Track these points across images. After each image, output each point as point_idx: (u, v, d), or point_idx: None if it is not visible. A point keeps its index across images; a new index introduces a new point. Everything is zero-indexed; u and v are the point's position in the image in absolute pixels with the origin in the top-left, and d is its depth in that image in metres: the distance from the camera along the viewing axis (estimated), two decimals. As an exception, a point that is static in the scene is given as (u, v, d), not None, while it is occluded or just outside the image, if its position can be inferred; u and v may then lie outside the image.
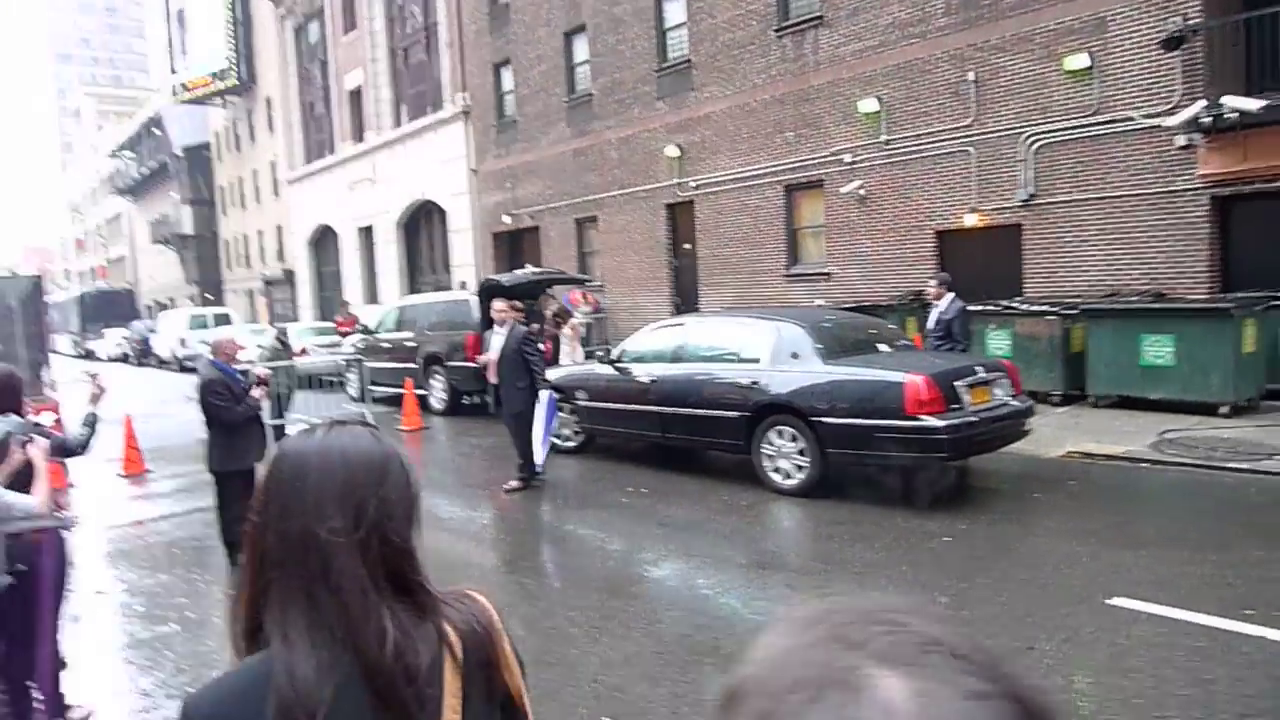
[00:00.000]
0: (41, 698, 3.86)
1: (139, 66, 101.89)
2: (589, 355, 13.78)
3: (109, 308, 40.69)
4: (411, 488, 1.18)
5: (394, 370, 14.38)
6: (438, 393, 13.93)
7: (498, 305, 8.74)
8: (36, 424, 3.91)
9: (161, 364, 28.56)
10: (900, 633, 0.45)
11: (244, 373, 6.94)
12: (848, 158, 13.54)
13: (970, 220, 12.08)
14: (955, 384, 6.93)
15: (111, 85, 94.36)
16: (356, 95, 27.83)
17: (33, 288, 12.03)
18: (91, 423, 4.36)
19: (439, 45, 23.60)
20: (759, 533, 6.69)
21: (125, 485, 9.85)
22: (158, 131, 46.80)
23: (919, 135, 12.66)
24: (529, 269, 15.86)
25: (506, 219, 21.14)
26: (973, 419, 6.84)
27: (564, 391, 9.86)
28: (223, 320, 28.52)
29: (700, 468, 8.89)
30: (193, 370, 25.02)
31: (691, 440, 8.67)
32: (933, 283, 9.51)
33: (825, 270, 14.13)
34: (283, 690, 1.01)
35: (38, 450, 3.60)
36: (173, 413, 13.68)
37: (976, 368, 7.35)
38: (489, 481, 9.09)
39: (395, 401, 13.70)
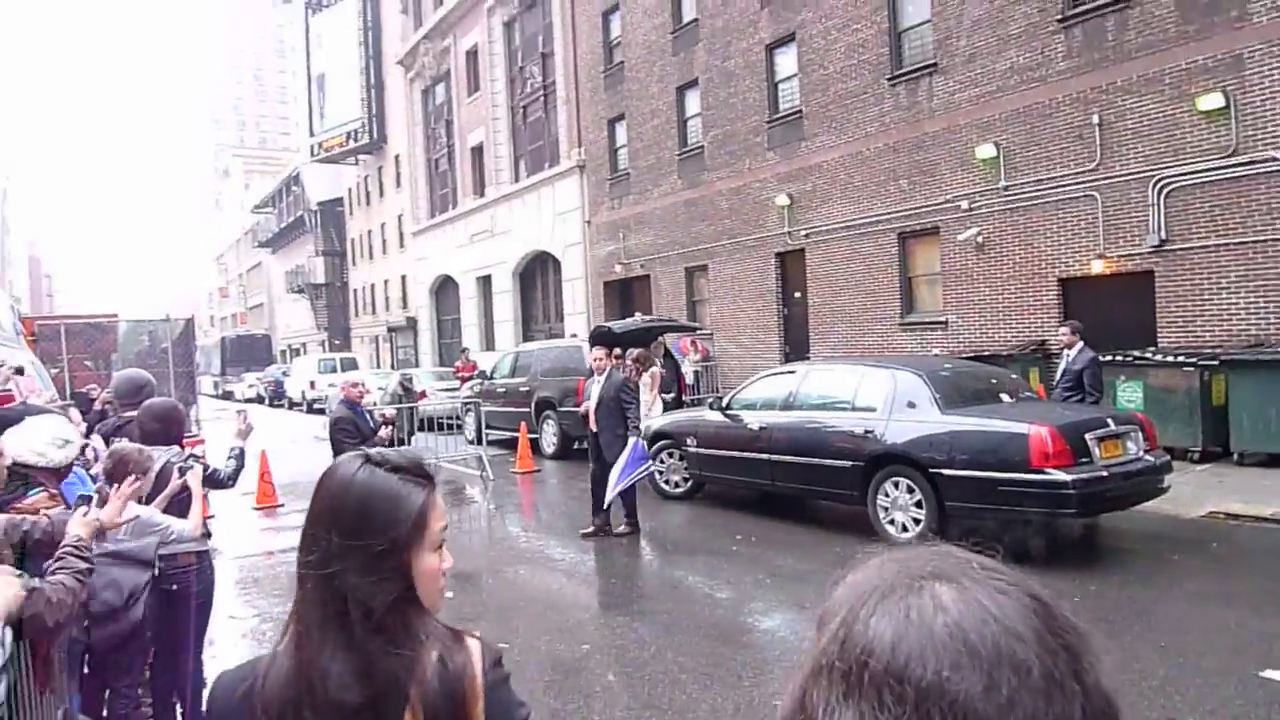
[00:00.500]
0: (184, 711, 4.12)
1: (282, 129, 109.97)
2: (696, 402, 13.82)
3: (247, 352, 43.38)
4: (397, 528, 1.18)
5: (508, 414, 14.80)
6: (549, 436, 14.24)
7: (595, 354, 8.75)
8: (192, 454, 4.24)
9: (292, 405, 30.24)
10: (947, 559, 0.62)
11: (370, 413, 7.34)
12: (964, 204, 13.27)
13: (1097, 267, 11.60)
14: (1084, 436, 6.62)
15: (258, 147, 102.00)
16: (478, 152, 29.15)
17: (184, 332, 13.03)
18: (238, 457, 4.68)
19: (556, 103, 24.55)
20: None
21: (258, 517, 10.43)
22: (296, 188, 50.20)
23: (1040, 180, 12.31)
24: (639, 317, 16.11)
25: (618, 268, 21.59)
26: (1103, 473, 6.51)
27: (674, 437, 9.94)
28: (349, 365, 30.02)
29: (811, 517, 8.75)
30: (320, 411, 26.42)
31: (802, 489, 8.56)
32: (1063, 330, 9.12)
33: (941, 319, 13.80)
34: (255, 686, 1.18)
35: (194, 478, 3.90)
36: (303, 451, 14.45)
37: (1107, 420, 7.01)
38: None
39: (510, 444, 14.07)
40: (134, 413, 4.46)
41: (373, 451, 1.26)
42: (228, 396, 38.24)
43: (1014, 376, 8.86)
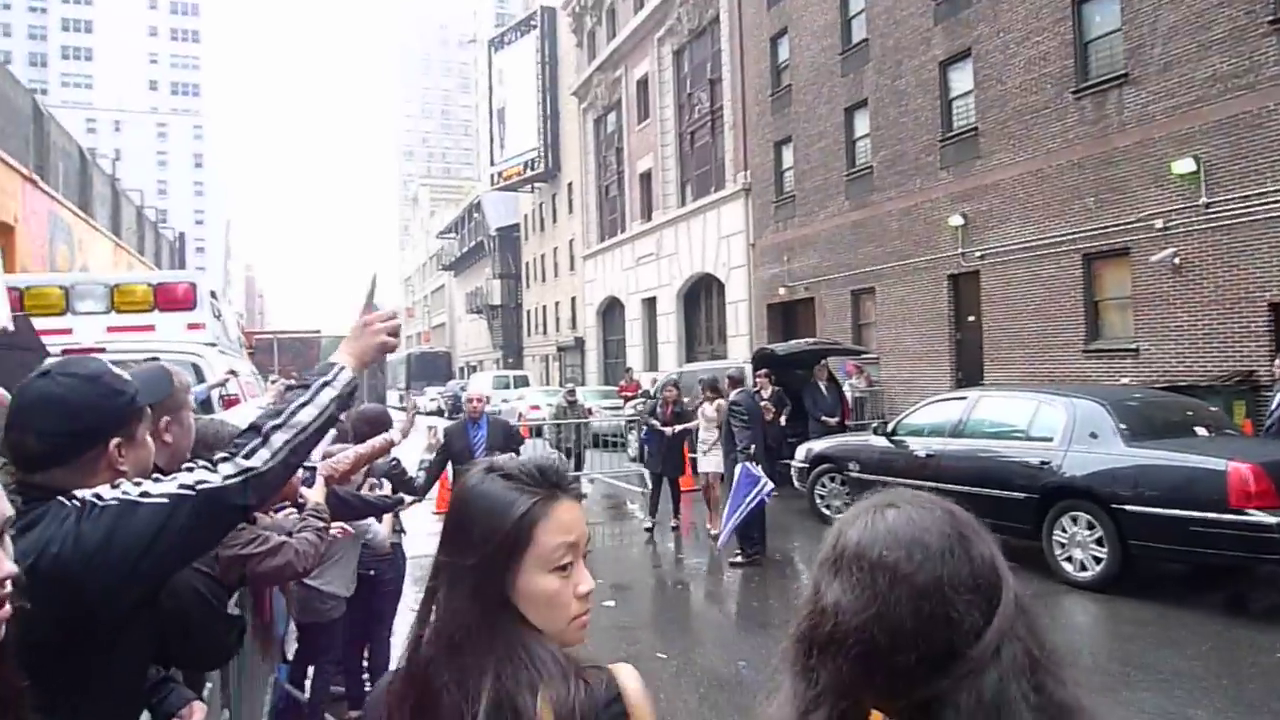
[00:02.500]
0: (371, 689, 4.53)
1: (466, 160, 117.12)
2: (859, 428, 13.53)
3: (430, 368, 46.27)
4: (489, 540, 1.08)
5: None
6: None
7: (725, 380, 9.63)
8: (395, 459, 4.69)
9: (469, 420, 31.92)
10: (899, 495, 0.97)
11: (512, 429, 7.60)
12: (1159, 223, 12.34)
13: (1318, 291, 10.48)
14: (1293, 476, 6.04)
15: (443, 176, 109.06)
16: (646, 178, 29.91)
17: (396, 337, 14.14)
18: (427, 468, 5.11)
19: (723, 128, 24.85)
20: (1048, 625, 6.18)
21: (436, 522, 11.14)
22: (477, 215, 53.29)
23: (1247, 196, 11.28)
24: (804, 340, 15.99)
25: (782, 291, 21.50)
26: (1316, 518, 5.91)
27: (836, 461, 9.83)
28: (521, 382, 31.42)
29: (980, 551, 8.40)
30: (497, 413, 27.69)
31: (971, 520, 8.23)
32: (1278, 361, 8.35)
33: (1131, 346, 12.86)
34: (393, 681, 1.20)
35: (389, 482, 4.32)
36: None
37: (1322, 459, 6.35)
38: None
39: (670, 464, 14.31)
40: (342, 418, 4.94)
41: (501, 458, 1.18)
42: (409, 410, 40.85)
43: (1213, 409, 8.17)
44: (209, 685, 2.34)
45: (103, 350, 5.24)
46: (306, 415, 1.55)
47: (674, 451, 10.00)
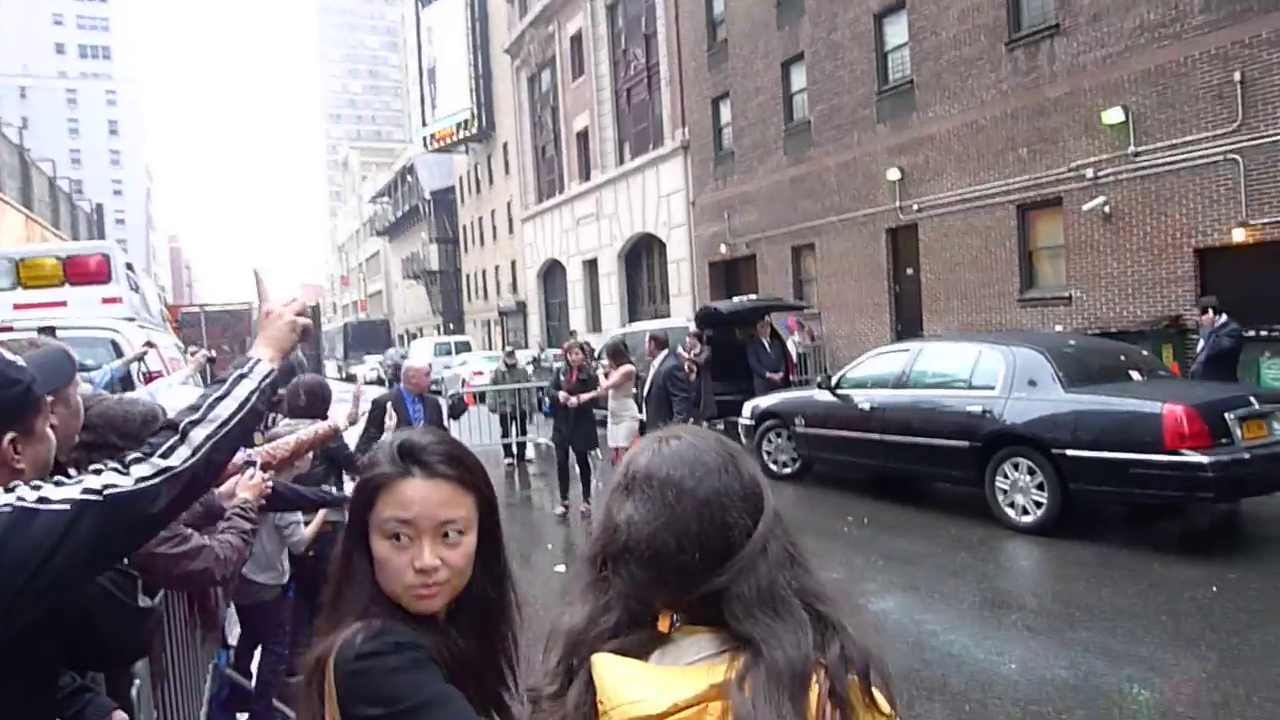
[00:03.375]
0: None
1: (396, 122, 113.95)
2: (803, 383, 13.64)
3: (368, 337, 45.35)
4: (357, 503, 1.26)
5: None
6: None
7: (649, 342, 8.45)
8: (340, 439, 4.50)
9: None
10: (682, 429, 1.09)
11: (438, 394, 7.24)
12: (1090, 173, 12.57)
13: (1239, 235, 10.81)
14: (1224, 415, 6.22)
15: (373, 140, 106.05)
16: (583, 137, 29.45)
17: (311, 317, 13.73)
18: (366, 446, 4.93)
19: (660, 84, 24.53)
20: (992, 570, 6.32)
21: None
22: (411, 178, 52.01)
23: (1174, 145, 11.54)
24: (747, 297, 15.99)
25: (723, 248, 21.47)
26: (1245, 456, 6.11)
27: (781, 417, 9.88)
28: (463, 347, 30.95)
29: (925, 499, 8.55)
30: (437, 394, 27.38)
31: (915, 470, 8.37)
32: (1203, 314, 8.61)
33: (1064, 294, 13.16)
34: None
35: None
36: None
37: (1250, 398, 6.57)
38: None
39: (617, 426, 14.26)
40: (282, 390, 4.73)
41: (404, 433, 1.28)
42: (350, 379, 40.09)
43: (1145, 354, 8.39)
44: (137, 682, 2.19)
45: (9, 329, 4.91)
46: (225, 409, 1.44)
47: (583, 422, 8.67)
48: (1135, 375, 7.30)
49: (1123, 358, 7.76)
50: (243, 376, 1.50)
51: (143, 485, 1.31)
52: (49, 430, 1.46)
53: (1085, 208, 12.60)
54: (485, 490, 1.29)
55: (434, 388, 16.15)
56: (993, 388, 7.36)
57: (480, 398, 14.19)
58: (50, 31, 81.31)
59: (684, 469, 1.01)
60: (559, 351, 19.77)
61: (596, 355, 12.54)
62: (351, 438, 5.11)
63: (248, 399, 1.48)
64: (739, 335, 13.61)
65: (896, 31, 16.15)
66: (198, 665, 3.49)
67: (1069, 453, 6.62)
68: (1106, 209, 12.38)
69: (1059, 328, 12.85)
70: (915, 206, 15.67)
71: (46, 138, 55.72)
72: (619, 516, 1.02)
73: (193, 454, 1.38)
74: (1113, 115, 12.14)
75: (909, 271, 16.28)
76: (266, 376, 1.52)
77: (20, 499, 1.22)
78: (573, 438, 8.74)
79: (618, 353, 8.80)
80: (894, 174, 15.94)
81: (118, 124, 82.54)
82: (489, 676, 1.32)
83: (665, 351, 8.45)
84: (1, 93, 70.29)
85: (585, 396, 8.47)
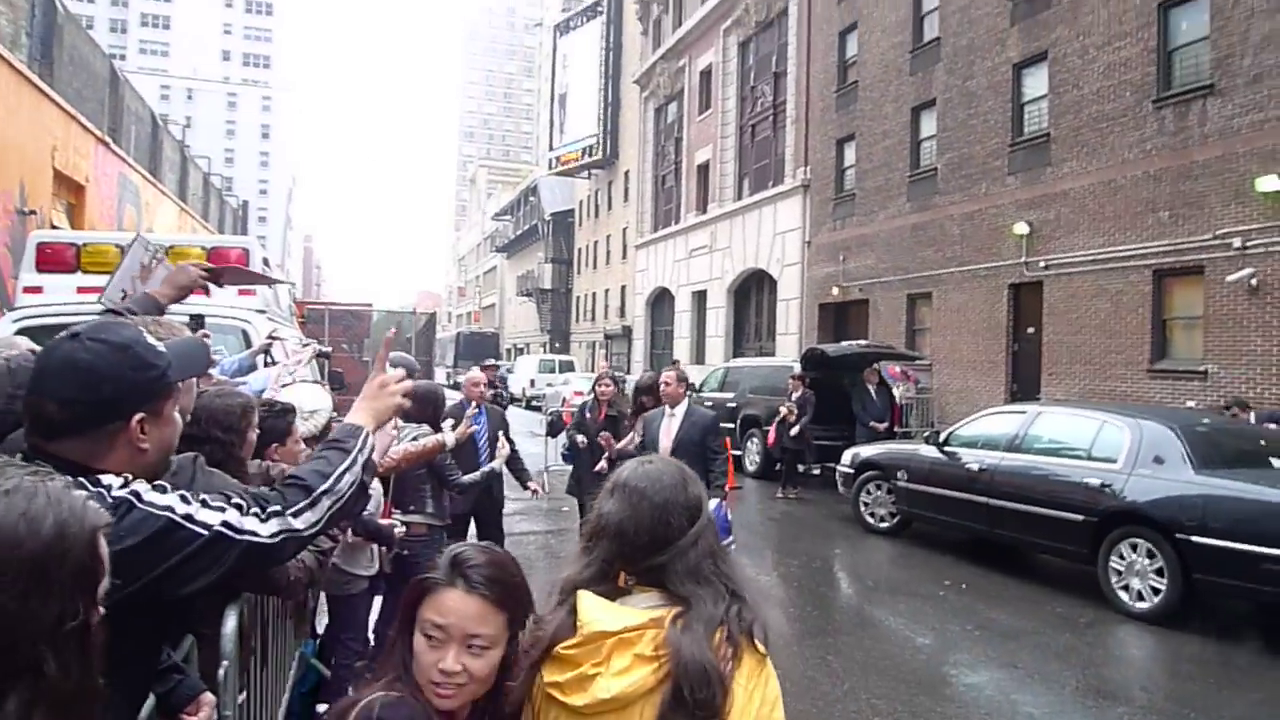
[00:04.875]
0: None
1: (524, 144, 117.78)
2: (905, 435, 13.20)
3: (478, 348, 46.56)
4: (408, 600, 1.43)
5: (714, 429, 14.89)
6: (752, 454, 14.18)
7: (665, 377, 6.19)
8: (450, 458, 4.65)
9: (513, 400, 32.09)
10: (653, 456, 1.67)
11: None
12: (1237, 242, 11.80)
13: None
14: (1377, 518, 5.67)
15: (501, 159, 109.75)
16: (704, 169, 29.63)
17: (427, 325, 14.22)
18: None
19: (785, 122, 24.47)
20: (1100, 656, 5.91)
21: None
22: (533, 199, 53.48)
23: (1339, 219, 10.71)
24: (855, 342, 15.68)
25: (835, 291, 21.13)
26: (1401, 564, 5.54)
27: (883, 469, 9.58)
28: (566, 367, 31.42)
29: (1031, 571, 8.11)
30: (538, 408, 27.92)
31: (1022, 539, 7.95)
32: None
33: (1200, 368, 12.34)
34: None
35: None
36: (521, 445, 15.25)
37: None
38: (797, 550, 9.02)
39: (712, 460, 14.13)
40: None
41: (466, 549, 1.49)
42: (456, 387, 41.25)
43: (1289, 440, 7.75)
44: (225, 664, 2.26)
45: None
46: (346, 482, 1.58)
47: (607, 475, 6.55)
48: (1276, 463, 6.75)
49: (1262, 442, 7.20)
50: (359, 450, 1.62)
51: (274, 541, 1.44)
52: (176, 415, 1.52)
53: (1230, 279, 11.81)
54: (520, 611, 1.44)
55: (536, 402, 16.05)
56: (1114, 461, 6.93)
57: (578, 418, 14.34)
58: (220, 40, 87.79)
59: (647, 482, 1.48)
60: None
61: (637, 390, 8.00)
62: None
63: (360, 474, 1.61)
64: (844, 381, 13.32)
65: (1036, 83, 15.64)
66: (286, 652, 3.61)
67: (1195, 539, 6.15)
68: (1254, 281, 11.57)
69: (1191, 403, 12.04)
70: (1042, 264, 15.04)
71: (206, 137, 59.97)
72: (602, 508, 1.50)
73: (317, 521, 1.52)
74: (1267, 183, 11.37)
75: (1030, 330, 15.61)
76: (372, 449, 1.66)
77: (169, 507, 1.35)
78: (593, 492, 6.54)
79: (654, 391, 6.55)
80: (1022, 228, 15.36)
81: (270, 128, 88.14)
82: None
83: (686, 401, 6.14)
84: (172, 93, 76.23)
85: (615, 446, 6.34)
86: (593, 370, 34.84)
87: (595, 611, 1.37)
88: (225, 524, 1.37)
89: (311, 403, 3.85)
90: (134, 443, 1.40)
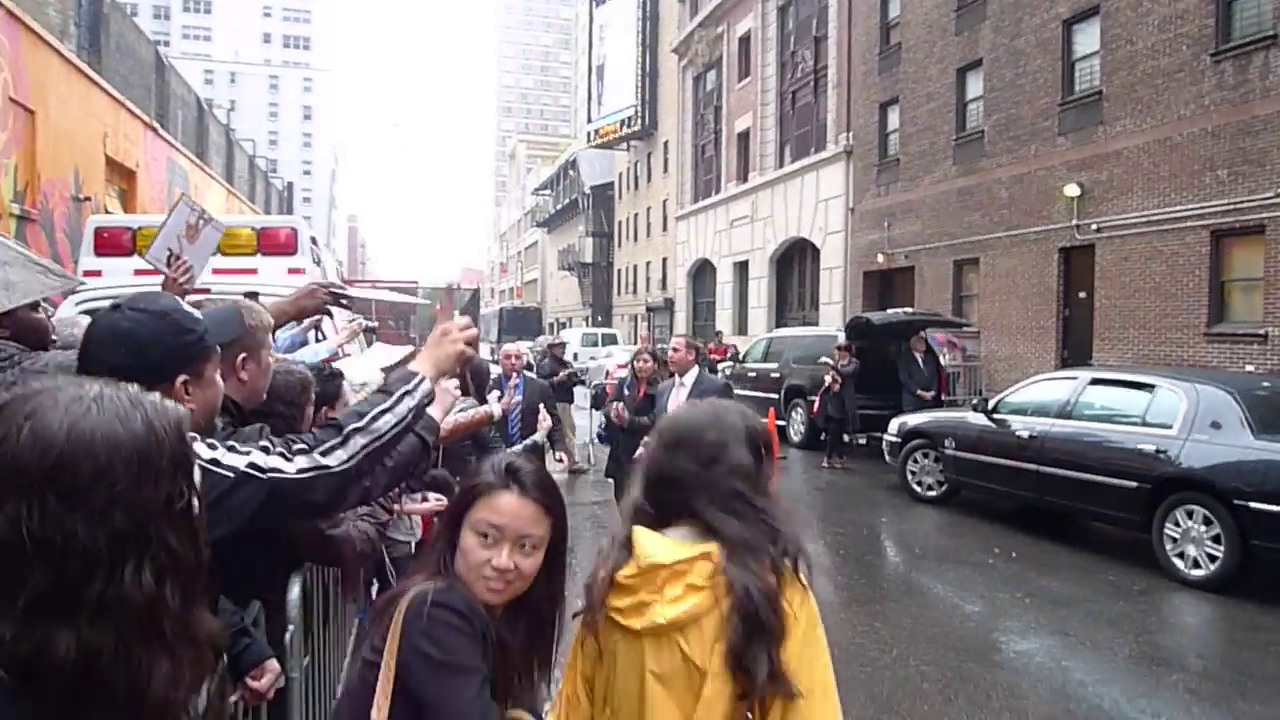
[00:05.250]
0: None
1: (563, 118, 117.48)
2: (953, 402, 13.03)
3: (521, 323, 46.89)
4: (462, 498, 1.55)
5: (757, 400, 14.86)
6: (797, 425, 14.14)
7: (674, 343, 6.00)
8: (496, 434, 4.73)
9: (582, 377, 32.35)
10: (706, 402, 1.82)
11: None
12: (1303, 199, 11.38)
13: None
14: None
15: (540, 133, 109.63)
16: (744, 138, 29.30)
17: (471, 300, 14.37)
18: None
19: (827, 87, 24.05)
20: (1154, 624, 5.83)
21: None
22: (573, 173, 53.39)
23: None
24: (902, 310, 15.47)
25: (880, 258, 20.83)
26: None
27: (930, 437, 9.50)
28: (609, 340, 31.50)
29: (1082, 538, 8.01)
30: (581, 382, 28.07)
31: (1074, 507, 7.85)
32: None
33: (1260, 331, 11.97)
34: None
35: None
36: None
37: None
38: (843, 520, 9.01)
39: (756, 430, 14.12)
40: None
41: (511, 455, 1.59)
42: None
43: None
44: (291, 628, 2.35)
45: (207, 291, 5.39)
46: (386, 422, 1.59)
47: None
48: (1341, 427, 6.54)
49: (1327, 406, 6.97)
50: (407, 392, 1.63)
51: (301, 477, 1.45)
52: (218, 378, 1.59)
53: (1294, 237, 11.41)
54: (562, 519, 1.55)
55: (579, 376, 16.21)
56: (1170, 427, 6.79)
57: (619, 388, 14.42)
58: (260, 23, 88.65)
59: (669, 429, 1.66)
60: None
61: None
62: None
63: (406, 415, 1.61)
64: (890, 349, 13.18)
65: (1087, 39, 15.15)
66: (346, 618, 3.72)
67: (1253, 505, 6.01)
68: (1320, 240, 11.17)
69: (1250, 368, 11.71)
70: (1094, 226, 14.65)
71: (250, 119, 60.72)
72: (659, 458, 1.63)
73: (349, 458, 1.52)
74: (1336, 137, 10.93)
75: (1081, 295, 15.26)
76: (428, 394, 1.69)
77: (199, 455, 1.35)
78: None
79: (699, 355, 6.29)
80: (1073, 190, 14.97)
81: (311, 109, 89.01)
82: (517, 674, 1.52)
83: (696, 369, 5.85)
84: (216, 77, 77.31)
85: (625, 417, 6.31)
86: (635, 343, 34.93)
87: (651, 545, 1.50)
88: (251, 465, 1.41)
89: (362, 375, 3.95)
90: (180, 403, 1.46)
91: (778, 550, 1.50)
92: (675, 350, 5.86)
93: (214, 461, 1.38)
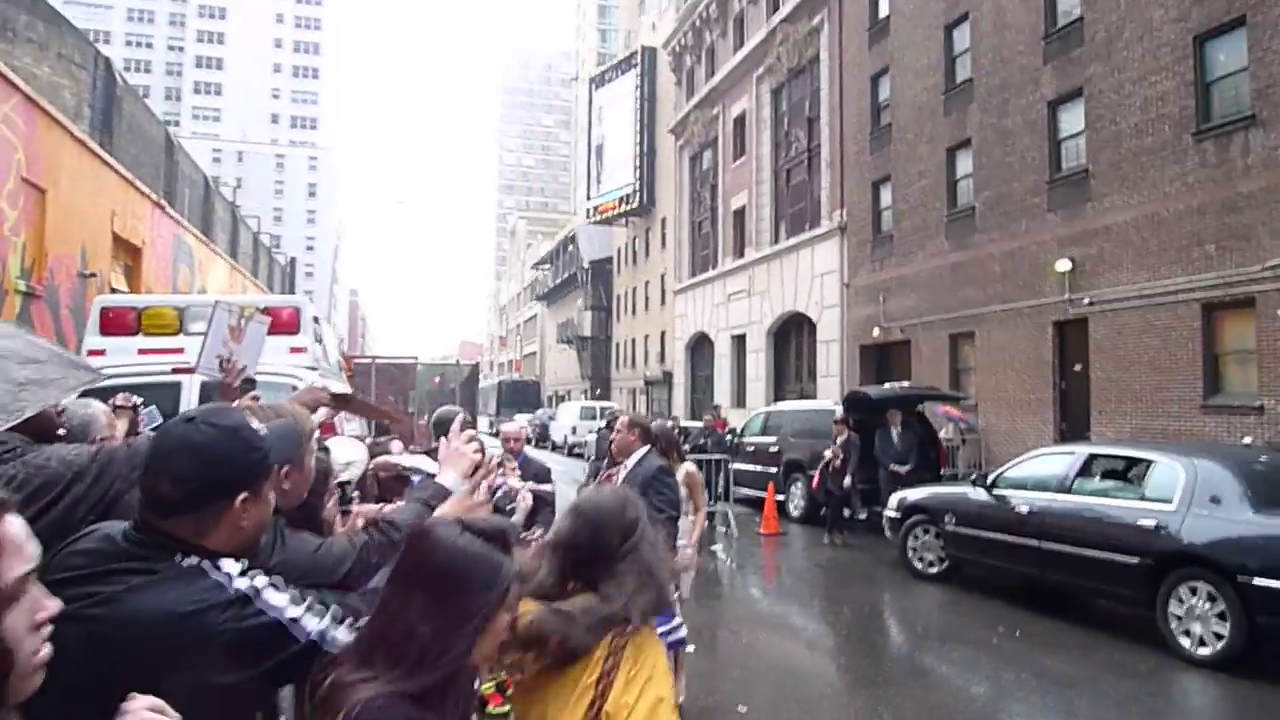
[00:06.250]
0: None
1: (562, 195, 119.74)
2: (953, 477, 12.99)
3: (520, 396, 47.08)
4: (502, 594, 1.52)
5: (756, 474, 14.80)
6: (796, 499, 14.04)
7: (618, 425, 5.19)
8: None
9: (555, 448, 32.20)
10: (612, 486, 2.90)
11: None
12: (1290, 273, 11.56)
13: None
14: None
15: (540, 210, 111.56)
16: (740, 214, 29.85)
17: (470, 375, 14.43)
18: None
19: (820, 166, 24.63)
20: (1162, 706, 5.72)
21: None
22: (572, 248, 54.20)
23: (1395, 247, 10.45)
24: (899, 384, 15.54)
25: (876, 332, 21.02)
26: None
27: (930, 513, 9.44)
28: (610, 413, 31.38)
29: (1086, 616, 7.89)
30: (579, 455, 27.99)
31: (1076, 583, 7.75)
32: None
33: (1255, 403, 12.02)
34: None
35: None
36: (561, 490, 15.29)
37: None
38: (845, 597, 8.89)
39: (755, 504, 14.04)
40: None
41: (469, 516, 1.72)
42: (498, 435, 41.53)
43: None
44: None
45: (256, 396, 5.46)
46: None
47: None
48: (1341, 501, 6.53)
49: (1326, 480, 6.96)
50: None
51: (325, 640, 1.49)
52: (272, 495, 1.61)
53: (1284, 311, 11.56)
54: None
55: (578, 449, 16.12)
56: (1169, 501, 6.76)
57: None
58: (268, 104, 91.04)
59: (590, 505, 1.91)
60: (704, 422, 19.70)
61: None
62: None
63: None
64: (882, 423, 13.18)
65: (1072, 119, 15.60)
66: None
67: (1257, 581, 5.96)
68: (1309, 314, 11.31)
69: (1248, 439, 11.70)
70: (1086, 300, 14.85)
71: (256, 196, 61.92)
72: (561, 526, 1.91)
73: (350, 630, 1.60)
74: (1319, 213, 11.16)
75: (1077, 368, 15.36)
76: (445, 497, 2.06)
77: (284, 612, 1.44)
78: None
79: (668, 440, 5.57)
80: (1064, 265, 15.21)
81: (316, 187, 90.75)
82: None
83: (647, 448, 4.97)
84: (224, 155, 79.03)
85: None
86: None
87: (527, 606, 1.76)
88: (321, 634, 1.45)
89: (347, 454, 3.98)
90: (236, 521, 1.49)
91: (625, 608, 1.74)
92: (617, 432, 5.06)
93: (294, 621, 1.44)
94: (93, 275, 13.69)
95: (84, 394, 4.81)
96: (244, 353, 3.59)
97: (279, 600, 1.44)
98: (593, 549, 1.81)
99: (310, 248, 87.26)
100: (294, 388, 5.93)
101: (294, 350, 6.00)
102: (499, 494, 4.59)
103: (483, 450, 2.24)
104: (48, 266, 12.57)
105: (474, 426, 13.38)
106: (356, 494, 4.00)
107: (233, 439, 1.50)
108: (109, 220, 14.60)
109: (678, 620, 4.82)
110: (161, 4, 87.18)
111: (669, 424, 6.26)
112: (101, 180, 14.30)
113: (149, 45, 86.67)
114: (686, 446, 14.86)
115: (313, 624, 1.45)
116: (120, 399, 3.39)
